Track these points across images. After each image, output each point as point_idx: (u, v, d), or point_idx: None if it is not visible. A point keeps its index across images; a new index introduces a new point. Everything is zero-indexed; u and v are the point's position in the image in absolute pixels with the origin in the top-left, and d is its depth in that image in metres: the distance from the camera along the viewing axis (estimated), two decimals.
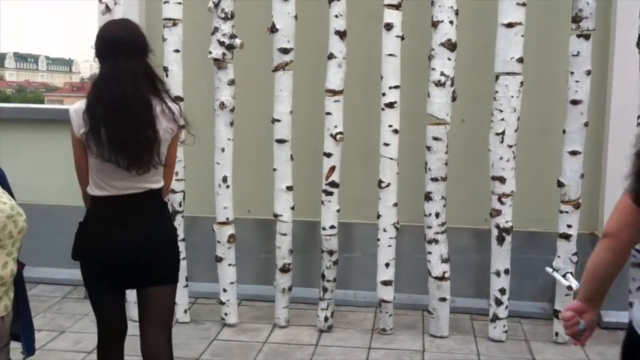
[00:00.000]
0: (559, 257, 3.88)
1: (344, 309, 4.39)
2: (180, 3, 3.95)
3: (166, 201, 2.66)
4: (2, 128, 4.97)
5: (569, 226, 3.84)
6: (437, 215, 3.91)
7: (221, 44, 3.89)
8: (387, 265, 4.00)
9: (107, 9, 3.93)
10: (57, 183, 4.78)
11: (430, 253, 3.96)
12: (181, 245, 4.12)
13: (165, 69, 4.00)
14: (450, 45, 3.78)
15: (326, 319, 4.07)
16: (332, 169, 3.96)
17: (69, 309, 4.29)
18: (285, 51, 3.90)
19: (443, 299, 3.98)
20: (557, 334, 3.91)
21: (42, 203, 4.82)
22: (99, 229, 2.50)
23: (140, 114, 2.40)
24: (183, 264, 4.17)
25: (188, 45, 4.07)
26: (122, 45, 2.43)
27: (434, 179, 3.89)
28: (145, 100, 2.42)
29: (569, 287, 3.78)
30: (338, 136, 3.92)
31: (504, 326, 3.96)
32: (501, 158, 3.79)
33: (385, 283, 4.00)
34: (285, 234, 4.06)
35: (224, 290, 4.14)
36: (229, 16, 3.88)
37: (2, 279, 1.97)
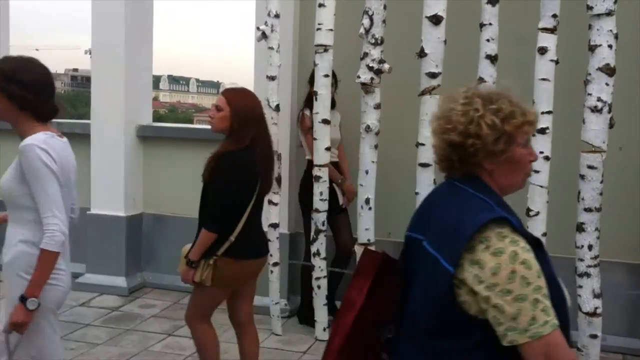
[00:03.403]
0: None
1: None
2: (331, 30, 4.09)
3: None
4: (157, 145, 5.35)
5: None
6: (590, 247, 3.72)
7: (370, 68, 3.97)
8: None
9: (264, 35, 4.15)
10: None
11: (581, 287, 3.76)
12: (322, 263, 4.25)
13: (315, 93, 4.14)
14: (609, 70, 3.60)
15: None
16: None
17: (218, 320, 4.46)
18: (433, 75, 3.90)
19: (594, 336, 3.76)
20: None
21: (194, 217, 5.11)
22: None
23: None
24: (323, 282, 4.26)
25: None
26: None
27: (588, 209, 3.71)
28: None
29: None
30: None
31: None
32: None
33: None
34: None
35: None
36: (379, 42, 3.96)
37: None
